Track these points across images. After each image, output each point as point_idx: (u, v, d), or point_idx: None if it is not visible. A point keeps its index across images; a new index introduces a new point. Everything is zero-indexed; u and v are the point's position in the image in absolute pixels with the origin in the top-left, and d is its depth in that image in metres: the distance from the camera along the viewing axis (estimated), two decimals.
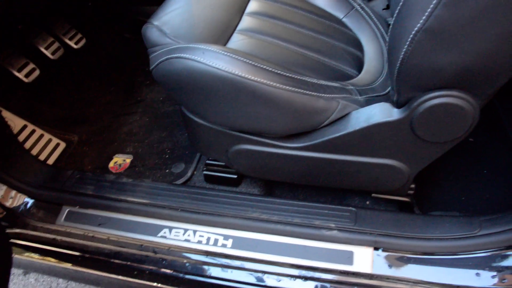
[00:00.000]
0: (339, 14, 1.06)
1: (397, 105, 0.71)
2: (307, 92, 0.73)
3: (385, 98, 0.80)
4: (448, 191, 0.97)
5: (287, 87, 0.72)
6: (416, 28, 0.56)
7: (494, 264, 0.73)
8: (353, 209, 0.84)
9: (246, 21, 0.93)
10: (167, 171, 1.10)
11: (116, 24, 1.64)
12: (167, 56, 0.76)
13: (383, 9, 1.12)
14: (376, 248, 0.79)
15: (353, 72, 0.90)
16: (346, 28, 1.03)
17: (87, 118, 1.32)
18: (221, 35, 0.87)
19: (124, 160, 1.16)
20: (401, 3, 0.62)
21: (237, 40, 0.87)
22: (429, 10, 0.54)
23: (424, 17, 0.55)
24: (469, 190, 0.96)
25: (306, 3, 1.05)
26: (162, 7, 0.91)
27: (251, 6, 0.98)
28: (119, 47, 1.61)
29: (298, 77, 0.75)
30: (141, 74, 1.47)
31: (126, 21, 1.61)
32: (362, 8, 1.08)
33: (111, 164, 1.16)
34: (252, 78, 0.70)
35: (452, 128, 0.69)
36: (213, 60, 0.72)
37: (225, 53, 0.73)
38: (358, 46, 0.98)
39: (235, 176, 0.99)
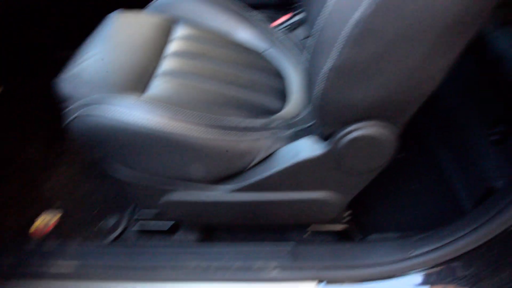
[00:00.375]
0: (262, 47, 1.08)
1: (323, 137, 0.72)
2: (230, 136, 0.72)
3: (312, 130, 0.81)
4: (383, 212, 0.99)
5: (209, 135, 0.70)
6: (328, 67, 0.58)
7: (430, 282, 0.75)
8: (293, 244, 0.83)
9: (166, 64, 0.91)
10: (99, 225, 1.03)
11: (37, 69, 1.55)
12: (78, 113, 0.72)
13: (303, 38, 1.15)
14: (320, 281, 0.79)
15: (279, 105, 0.91)
16: (269, 61, 1.04)
17: (7, 177, 1.22)
18: (140, 81, 0.84)
19: (52, 218, 1.08)
20: (314, 42, 0.63)
21: (157, 85, 0.84)
22: (338, 49, 0.55)
23: (334, 56, 0.56)
24: (402, 208, 0.99)
25: (227, 39, 1.05)
26: (75, 56, 0.87)
27: (171, 47, 0.96)
28: (40, 93, 1.52)
29: (220, 123, 0.73)
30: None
31: (48, 66, 1.52)
32: (284, 39, 1.11)
33: (36, 225, 1.07)
34: (170, 129, 0.68)
35: (374, 157, 0.71)
36: (127, 113, 0.69)
37: (141, 104, 0.71)
38: (282, 78, 0.99)
39: (171, 224, 0.95)
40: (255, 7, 1.38)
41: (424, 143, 1.12)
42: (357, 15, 0.52)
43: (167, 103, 0.73)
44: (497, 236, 0.71)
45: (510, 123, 0.93)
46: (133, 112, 0.69)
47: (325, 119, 0.67)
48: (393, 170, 1.07)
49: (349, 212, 0.89)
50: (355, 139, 0.66)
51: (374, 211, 1.00)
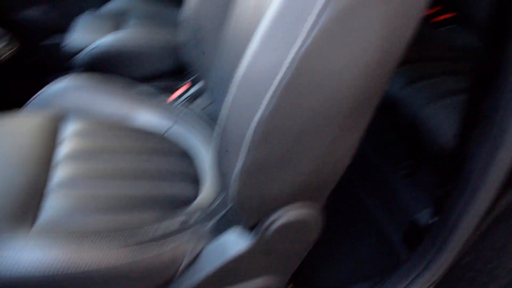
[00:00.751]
0: (163, 127, 1.02)
1: (247, 227, 0.68)
2: (149, 251, 0.64)
3: (233, 217, 0.76)
4: (324, 271, 0.98)
5: (125, 259, 0.62)
6: (238, 168, 0.55)
7: None
8: None
9: (59, 173, 0.79)
10: None
11: None
12: None
13: (205, 107, 1.12)
14: None
15: (193, 192, 0.84)
16: (174, 141, 0.98)
17: None
18: (28, 206, 0.70)
19: None
20: (218, 142, 0.60)
21: (51, 206, 0.71)
22: (244, 151, 0.53)
23: (242, 158, 0.54)
24: (342, 261, 0.98)
25: (124, 126, 0.97)
26: None
27: (62, 150, 0.85)
28: None
29: (135, 238, 0.65)
30: None
31: None
32: (186, 112, 1.06)
33: None
34: (77, 266, 0.58)
35: (304, 236, 0.69)
36: (16, 259, 0.57)
37: (33, 241, 0.60)
38: (191, 158, 0.94)
39: None
40: (149, 79, 1.33)
41: (347, 190, 1.14)
42: (257, 116, 0.49)
43: (67, 231, 0.64)
44: (433, 283, 0.72)
45: (415, 158, 0.99)
46: (24, 257, 0.58)
47: (246, 213, 0.63)
48: (328, 229, 1.07)
49: (291, 285, 0.85)
50: (281, 226, 0.63)
51: (316, 274, 0.98)
